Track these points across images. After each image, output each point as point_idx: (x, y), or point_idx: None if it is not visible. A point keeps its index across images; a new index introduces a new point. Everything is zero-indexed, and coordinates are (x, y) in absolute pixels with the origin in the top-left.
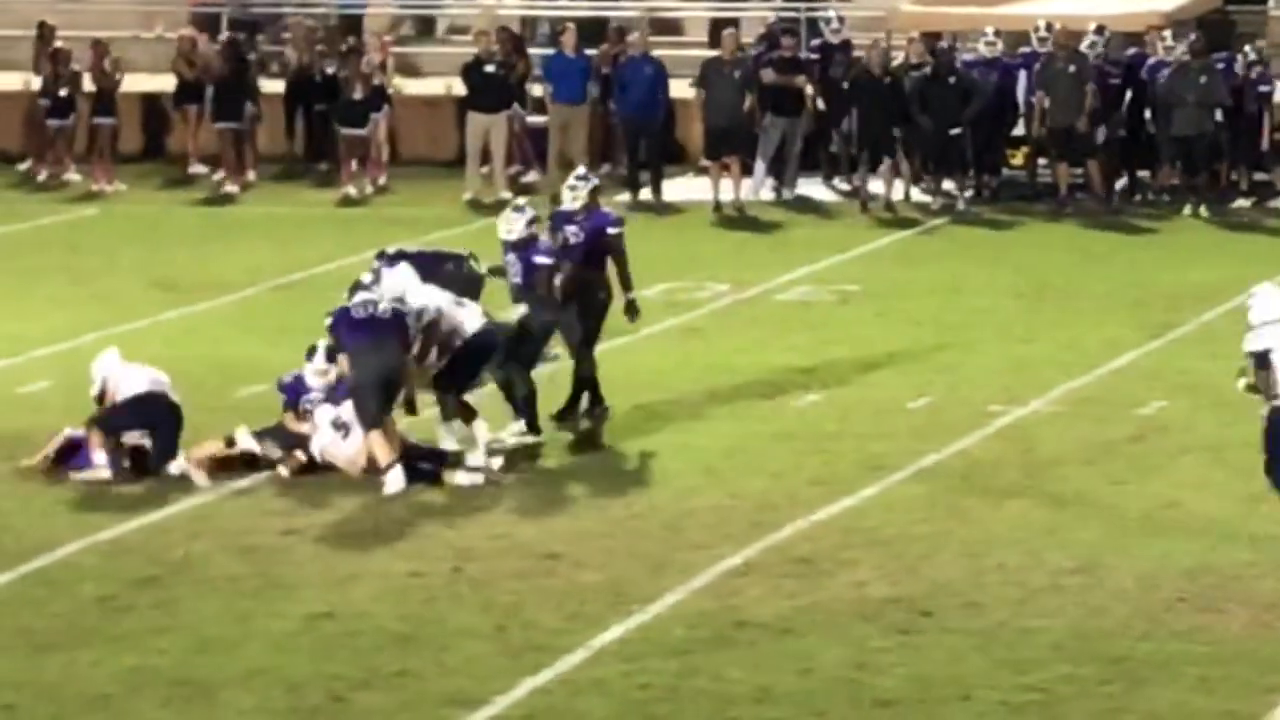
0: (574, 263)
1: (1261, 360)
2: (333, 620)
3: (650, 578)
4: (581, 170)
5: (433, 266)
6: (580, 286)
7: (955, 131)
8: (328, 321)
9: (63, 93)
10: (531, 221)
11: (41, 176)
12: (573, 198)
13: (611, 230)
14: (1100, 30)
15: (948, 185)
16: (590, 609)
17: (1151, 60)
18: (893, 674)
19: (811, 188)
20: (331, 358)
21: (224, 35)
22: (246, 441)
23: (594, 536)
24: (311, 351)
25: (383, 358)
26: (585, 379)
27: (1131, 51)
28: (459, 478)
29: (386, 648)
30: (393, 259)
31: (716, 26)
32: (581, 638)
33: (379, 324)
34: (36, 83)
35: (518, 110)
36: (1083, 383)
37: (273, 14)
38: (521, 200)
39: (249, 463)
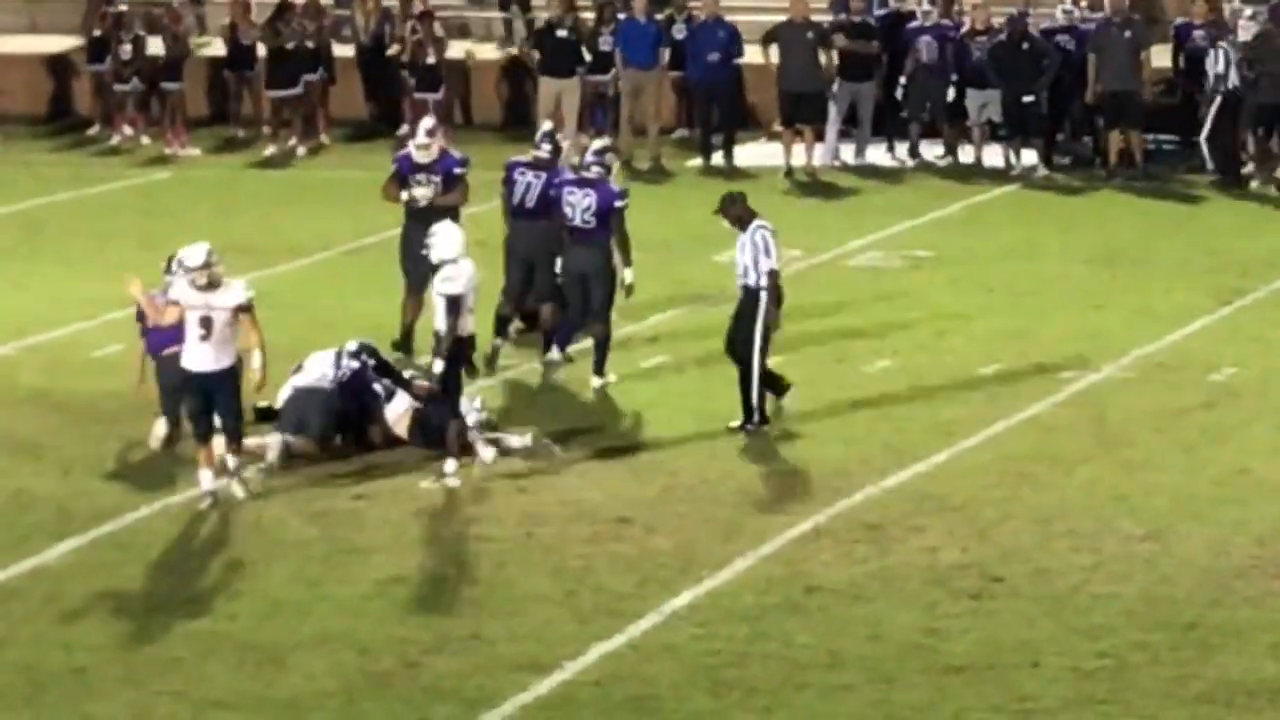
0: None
1: None
2: (404, 585)
3: (720, 543)
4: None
5: None
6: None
7: (1029, 98)
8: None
9: (126, 57)
10: (606, 165)
11: (114, 140)
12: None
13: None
14: None
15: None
16: (661, 574)
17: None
18: (963, 640)
19: (883, 153)
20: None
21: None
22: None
23: (664, 501)
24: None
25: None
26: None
27: (1179, 22)
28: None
29: (457, 612)
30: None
31: None
32: (652, 602)
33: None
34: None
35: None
36: (1154, 349)
37: None
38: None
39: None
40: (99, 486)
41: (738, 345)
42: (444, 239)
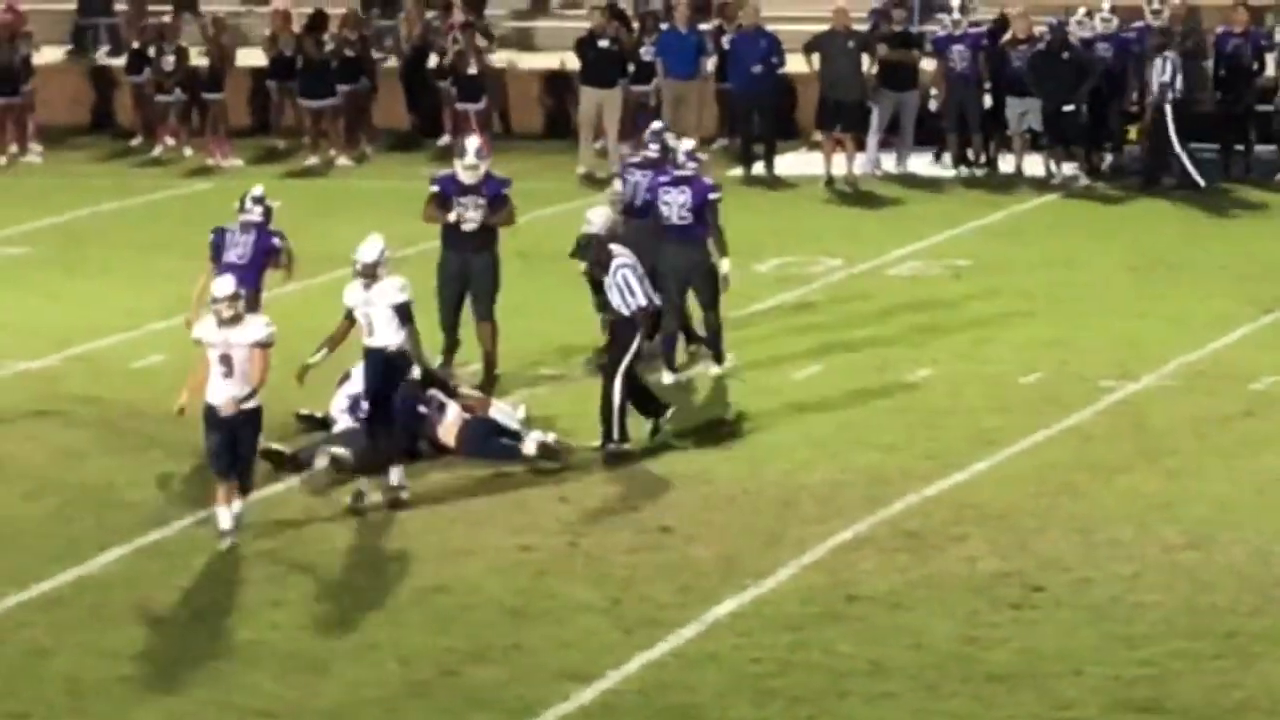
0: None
1: None
2: (445, 594)
3: (763, 551)
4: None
5: None
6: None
7: (1069, 108)
8: None
9: (168, 68)
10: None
11: (156, 151)
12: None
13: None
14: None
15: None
16: (703, 583)
17: (1220, 30)
18: (1004, 648)
19: (923, 163)
20: None
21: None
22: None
23: (706, 510)
24: None
25: None
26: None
27: (1220, 30)
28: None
29: (499, 621)
30: None
31: None
32: (694, 611)
33: None
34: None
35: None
36: (1194, 357)
37: None
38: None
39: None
40: (141, 496)
41: (606, 369)
42: None
